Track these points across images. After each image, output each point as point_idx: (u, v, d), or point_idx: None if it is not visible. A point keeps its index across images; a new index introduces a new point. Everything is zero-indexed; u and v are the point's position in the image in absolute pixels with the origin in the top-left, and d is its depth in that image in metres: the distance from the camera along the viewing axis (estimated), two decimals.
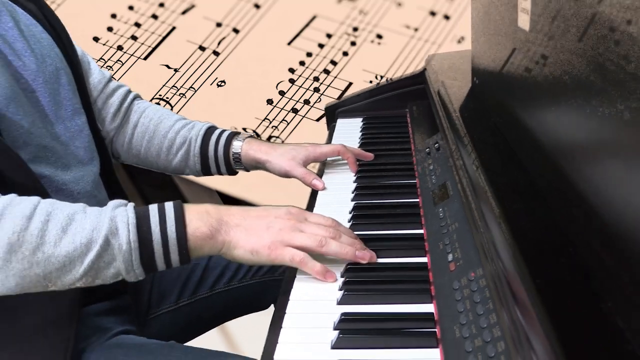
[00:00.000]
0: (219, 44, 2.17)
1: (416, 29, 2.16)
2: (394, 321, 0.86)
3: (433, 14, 2.19)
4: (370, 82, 2.06)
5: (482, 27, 1.25)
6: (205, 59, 2.14)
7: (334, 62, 2.11)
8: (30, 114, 1.00)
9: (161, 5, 2.25)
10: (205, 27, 2.20)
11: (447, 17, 2.18)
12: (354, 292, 0.91)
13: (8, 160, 0.91)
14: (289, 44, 2.17)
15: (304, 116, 2.01)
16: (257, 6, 2.24)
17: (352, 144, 1.47)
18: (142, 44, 2.16)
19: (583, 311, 0.65)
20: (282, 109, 2.03)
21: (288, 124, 1.99)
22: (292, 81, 2.08)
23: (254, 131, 1.97)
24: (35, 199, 0.83)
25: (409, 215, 1.12)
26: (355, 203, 1.19)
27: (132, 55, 2.13)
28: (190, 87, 2.08)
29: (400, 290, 0.91)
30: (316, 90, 2.06)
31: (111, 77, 1.29)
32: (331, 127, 1.63)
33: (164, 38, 2.18)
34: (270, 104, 2.04)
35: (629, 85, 0.63)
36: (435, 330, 0.83)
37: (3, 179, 0.90)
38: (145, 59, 2.14)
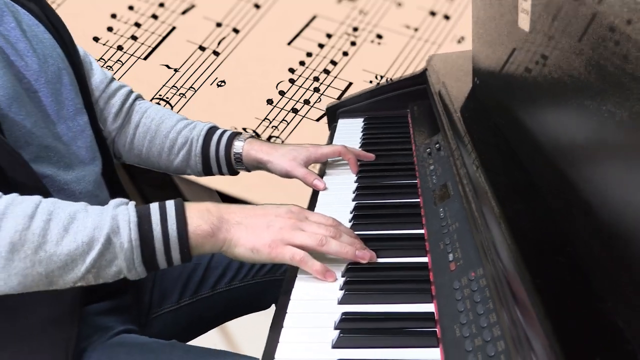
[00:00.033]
0: (219, 44, 2.17)
1: (416, 29, 2.17)
2: (394, 321, 0.86)
3: (433, 14, 2.19)
4: (370, 82, 2.07)
5: (482, 28, 1.26)
6: (205, 59, 2.14)
7: (334, 62, 2.12)
8: (32, 114, 1.00)
9: (161, 5, 2.26)
10: (205, 27, 2.21)
11: (447, 17, 2.18)
12: (355, 292, 0.91)
13: (10, 160, 0.92)
14: (289, 44, 2.18)
15: (304, 116, 2.01)
16: (257, 6, 2.25)
17: (354, 144, 1.47)
18: (142, 44, 2.17)
19: (582, 311, 0.65)
20: (282, 109, 2.03)
21: (288, 124, 2.00)
22: (292, 81, 2.09)
23: (254, 131, 1.98)
24: (36, 198, 0.83)
25: (410, 215, 1.12)
26: (356, 203, 1.19)
27: (132, 55, 2.14)
28: (190, 87, 2.08)
29: (400, 290, 0.92)
30: (316, 90, 2.06)
31: (113, 78, 1.29)
32: (332, 128, 1.64)
33: (164, 38, 2.19)
34: (270, 104, 2.04)
35: (628, 86, 0.63)
36: (436, 329, 0.83)
37: (5, 179, 0.90)
38: (145, 59, 2.14)
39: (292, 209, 0.96)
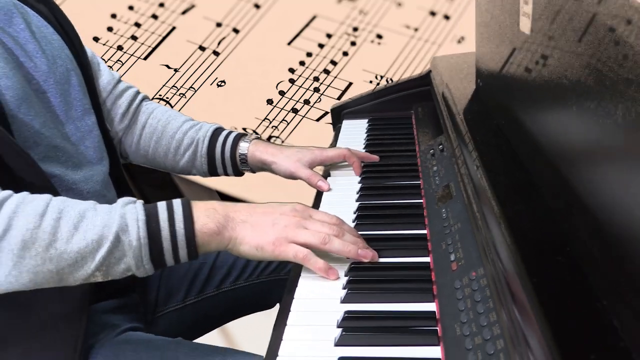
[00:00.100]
0: (219, 44, 2.18)
1: (416, 29, 2.18)
2: (396, 319, 0.88)
3: (433, 14, 2.20)
4: (370, 82, 2.08)
5: (485, 31, 1.27)
6: (205, 59, 2.15)
7: (334, 62, 2.13)
8: (41, 114, 1.02)
9: (161, 5, 2.27)
10: (205, 27, 2.22)
11: (447, 17, 2.19)
12: (358, 291, 0.93)
13: (19, 160, 0.94)
14: (289, 44, 2.19)
15: (304, 116, 2.02)
16: (257, 6, 2.25)
17: (358, 145, 1.49)
18: (142, 44, 2.18)
19: (579, 310, 0.67)
20: (282, 109, 2.04)
21: (288, 124, 2.01)
22: (292, 81, 2.10)
23: (254, 131, 1.99)
24: (46, 196, 0.85)
25: (413, 215, 1.14)
26: (360, 203, 1.21)
27: (132, 55, 2.15)
28: (190, 87, 2.09)
29: (403, 290, 0.93)
30: (316, 90, 2.07)
31: (120, 79, 1.31)
32: (337, 129, 1.65)
33: (164, 38, 2.20)
34: (270, 104, 2.05)
35: (628, 87, 0.65)
36: (437, 328, 0.84)
37: (14, 179, 0.93)
38: (145, 59, 2.15)
39: (297, 207, 0.98)
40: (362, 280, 0.96)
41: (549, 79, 0.90)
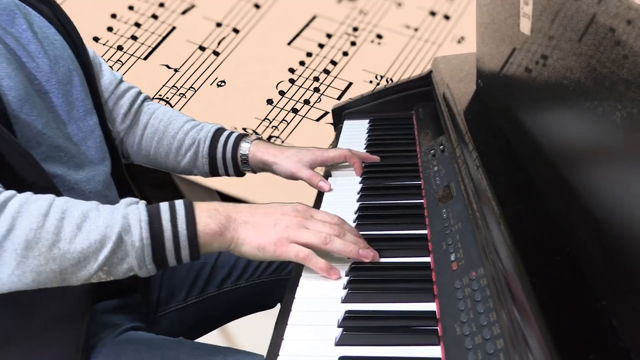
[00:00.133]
0: (219, 44, 2.19)
1: (416, 29, 2.18)
2: (397, 319, 0.88)
3: (433, 14, 2.21)
4: (370, 82, 2.09)
5: (486, 32, 1.28)
6: (205, 59, 2.16)
7: (334, 62, 2.13)
8: (43, 114, 1.03)
9: (161, 5, 2.27)
10: (205, 27, 2.22)
11: (447, 17, 2.20)
12: (358, 291, 0.94)
13: (21, 160, 0.94)
14: (289, 44, 2.19)
15: (304, 116, 2.03)
16: (257, 6, 2.26)
17: (359, 145, 1.50)
18: (142, 44, 2.18)
19: (578, 310, 0.67)
20: (282, 109, 2.05)
21: (288, 124, 2.02)
22: (292, 81, 2.10)
23: (254, 131, 2.00)
24: (50, 196, 0.86)
25: (414, 216, 1.15)
26: (361, 203, 1.22)
27: (132, 55, 2.15)
28: (190, 87, 2.10)
29: (403, 289, 0.94)
30: (316, 90, 2.08)
31: (122, 79, 1.32)
32: (338, 129, 1.65)
33: (164, 38, 2.20)
34: (270, 104, 2.06)
35: (628, 88, 0.66)
36: (437, 328, 0.85)
37: (16, 179, 0.93)
38: (145, 59, 2.16)
39: (298, 208, 0.98)
40: (362, 280, 0.96)
41: (549, 80, 0.91)
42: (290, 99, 2.07)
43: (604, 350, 0.62)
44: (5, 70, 0.98)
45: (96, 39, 2.17)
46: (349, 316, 0.89)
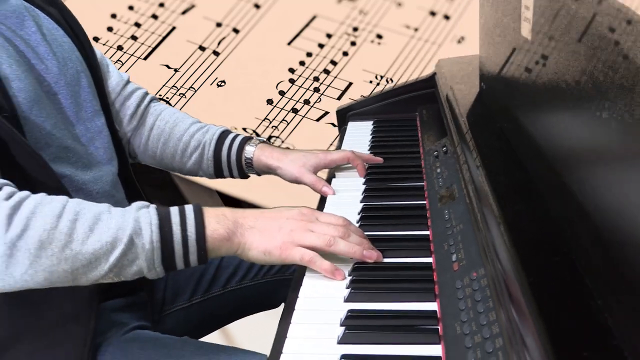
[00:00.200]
0: (219, 44, 2.20)
1: (416, 29, 2.19)
2: (398, 318, 0.90)
3: (433, 14, 2.22)
4: (370, 82, 2.10)
5: (489, 34, 1.30)
6: (205, 59, 2.18)
7: (334, 62, 2.15)
8: (52, 115, 1.06)
9: (161, 5, 2.29)
10: (205, 27, 2.23)
11: (447, 17, 2.21)
12: (361, 290, 0.95)
13: (31, 161, 0.97)
14: (289, 44, 2.21)
15: (304, 116, 2.04)
16: (257, 6, 2.27)
17: (363, 146, 1.51)
18: (142, 44, 2.20)
19: (574, 309, 0.69)
20: (282, 109, 2.06)
21: (288, 124, 2.03)
22: (292, 81, 2.12)
23: (254, 131, 2.01)
24: (63, 198, 0.88)
25: (416, 217, 1.16)
26: (364, 204, 1.23)
27: (132, 55, 2.17)
28: (190, 87, 2.11)
29: (405, 289, 0.95)
30: (316, 90, 2.09)
31: (128, 80, 1.34)
32: (342, 130, 1.67)
33: (164, 38, 2.22)
34: (270, 104, 2.07)
35: (628, 89, 0.68)
36: (438, 327, 0.86)
37: (26, 179, 0.96)
38: (145, 59, 2.17)
39: (303, 211, 1.00)
40: (365, 279, 0.98)
41: (549, 82, 0.93)
42: (290, 99, 2.09)
43: (598, 349, 0.63)
44: (15, 72, 1.01)
45: (96, 39, 2.18)
46: (352, 315, 0.90)
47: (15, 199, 0.85)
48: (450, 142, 1.28)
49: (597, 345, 0.64)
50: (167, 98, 2.09)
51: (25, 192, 0.87)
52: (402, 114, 1.67)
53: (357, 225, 1.15)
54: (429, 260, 1.02)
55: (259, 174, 1.36)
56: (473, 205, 0.98)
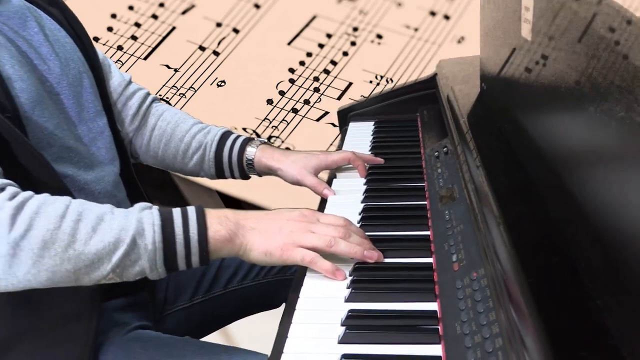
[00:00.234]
0: (219, 44, 2.21)
1: (416, 29, 2.20)
2: (399, 318, 0.90)
3: (433, 14, 2.22)
4: (370, 82, 2.10)
5: (489, 35, 1.31)
6: (205, 59, 2.18)
7: (334, 62, 2.15)
8: (54, 116, 1.07)
9: (161, 5, 2.29)
10: (205, 27, 2.24)
11: (447, 17, 2.21)
12: (361, 290, 0.96)
13: (33, 161, 0.98)
14: (289, 44, 2.21)
15: (304, 116, 2.05)
16: (257, 6, 2.28)
17: (364, 147, 1.52)
18: (142, 44, 2.20)
19: (573, 309, 0.70)
20: (282, 109, 2.07)
21: (288, 124, 2.04)
22: (292, 81, 2.12)
23: (254, 131, 2.02)
24: (66, 199, 0.89)
25: (417, 217, 1.17)
26: (365, 205, 1.24)
27: (132, 55, 2.17)
28: (190, 87, 2.12)
29: (405, 289, 0.96)
30: (316, 90, 2.10)
31: (130, 80, 1.35)
32: (343, 131, 1.67)
33: (164, 38, 2.22)
34: (270, 104, 2.08)
35: (628, 90, 0.68)
36: (438, 327, 0.87)
37: (29, 179, 0.97)
38: (145, 59, 2.18)
39: (304, 212, 1.01)
40: (365, 280, 0.99)
41: (549, 83, 0.94)
42: (290, 99, 2.09)
43: (596, 349, 0.64)
44: (18, 72, 1.02)
45: (96, 39, 2.19)
46: (352, 315, 0.91)
47: (18, 199, 0.86)
48: (451, 143, 1.29)
49: (596, 345, 0.65)
50: (167, 98, 2.09)
51: (29, 193, 0.88)
52: (403, 114, 1.67)
53: (358, 225, 1.15)
54: (430, 260, 1.03)
55: (260, 175, 1.37)
56: (473, 205, 0.99)
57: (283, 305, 1.18)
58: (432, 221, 1.13)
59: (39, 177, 0.99)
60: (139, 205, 0.93)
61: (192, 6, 2.30)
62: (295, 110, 2.07)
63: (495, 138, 1.18)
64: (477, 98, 1.38)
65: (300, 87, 2.12)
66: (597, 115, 0.76)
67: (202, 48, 2.20)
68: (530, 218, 0.91)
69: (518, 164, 1.06)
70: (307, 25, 2.25)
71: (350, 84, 2.12)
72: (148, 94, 1.38)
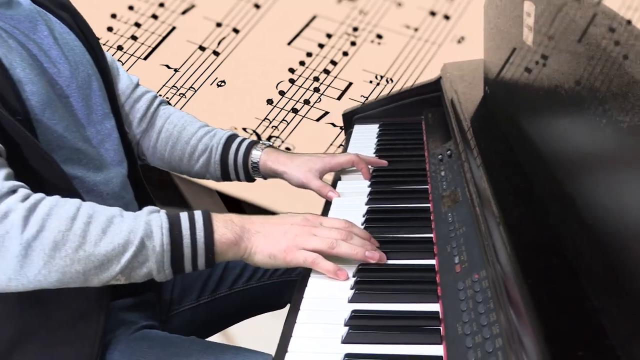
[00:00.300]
0: (219, 44, 2.22)
1: (416, 29, 2.21)
2: (401, 319, 0.93)
3: (433, 14, 2.23)
4: (370, 82, 2.12)
5: (493, 39, 1.34)
6: (205, 59, 2.20)
7: (334, 62, 2.17)
8: (64, 118, 1.09)
9: (161, 5, 2.31)
10: (205, 27, 2.25)
11: (447, 17, 2.22)
12: (365, 291, 0.98)
13: (43, 163, 1.01)
14: (289, 44, 2.23)
15: (304, 116, 2.07)
16: (257, 6, 2.29)
17: (369, 149, 1.54)
18: (142, 44, 2.22)
19: (570, 310, 0.73)
20: (282, 109, 2.09)
21: (288, 124, 2.06)
22: (292, 81, 2.14)
23: (254, 131, 2.03)
24: (77, 201, 0.92)
25: (420, 219, 1.19)
26: (369, 207, 1.26)
27: (132, 55, 2.19)
28: (190, 87, 2.14)
29: (408, 290, 0.98)
30: (316, 90, 2.12)
31: (138, 83, 1.38)
32: (348, 133, 1.69)
33: (164, 38, 2.24)
34: (270, 104, 2.10)
35: (629, 92, 0.70)
36: (440, 328, 0.89)
37: (39, 181, 1.00)
38: (145, 59, 2.20)
39: (308, 217, 1.04)
40: (369, 280, 1.01)
41: (552, 88, 0.96)
42: (290, 99, 2.11)
43: (592, 349, 0.67)
44: (29, 75, 1.04)
45: None
46: (355, 315, 0.93)
47: (30, 200, 0.88)
48: (455, 146, 1.31)
49: (593, 345, 0.68)
50: (167, 98, 2.10)
51: (40, 195, 0.91)
52: (408, 117, 1.69)
53: (362, 227, 1.17)
54: (432, 262, 1.05)
55: (265, 178, 1.39)
56: (475, 208, 1.01)
57: (287, 306, 1.21)
58: (435, 223, 1.16)
59: (49, 179, 1.01)
60: (147, 209, 0.96)
61: (192, 6, 2.31)
62: (295, 110, 2.08)
63: (498, 141, 1.20)
64: (481, 102, 1.40)
65: (300, 87, 2.13)
66: (598, 119, 0.78)
67: (202, 48, 2.22)
68: (530, 221, 0.94)
69: (520, 168, 1.09)
70: (307, 25, 2.27)
71: (350, 84, 2.13)
72: (155, 96, 1.40)
